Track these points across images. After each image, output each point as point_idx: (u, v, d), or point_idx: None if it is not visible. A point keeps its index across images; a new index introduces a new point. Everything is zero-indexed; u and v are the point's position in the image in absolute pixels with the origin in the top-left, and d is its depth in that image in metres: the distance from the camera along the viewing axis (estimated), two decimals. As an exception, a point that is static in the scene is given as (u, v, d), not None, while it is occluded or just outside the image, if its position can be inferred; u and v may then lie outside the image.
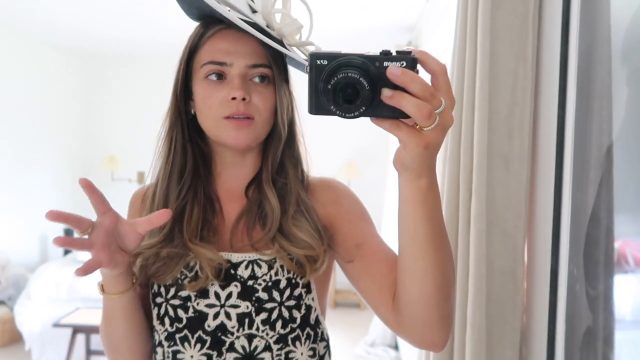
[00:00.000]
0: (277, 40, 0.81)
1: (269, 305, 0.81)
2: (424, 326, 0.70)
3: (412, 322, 0.71)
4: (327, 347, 0.89)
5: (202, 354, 0.81)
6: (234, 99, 0.79)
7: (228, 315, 0.81)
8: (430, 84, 0.54)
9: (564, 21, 1.10)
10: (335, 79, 0.52)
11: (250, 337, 0.81)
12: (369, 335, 4.00)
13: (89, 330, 3.21)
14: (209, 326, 0.82)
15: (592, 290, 0.99)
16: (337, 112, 0.53)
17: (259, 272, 0.82)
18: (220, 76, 0.82)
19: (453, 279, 0.70)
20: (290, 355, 0.82)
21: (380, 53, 0.54)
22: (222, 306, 0.82)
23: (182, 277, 0.83)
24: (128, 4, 3.57)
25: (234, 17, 0.77)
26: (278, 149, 0.88)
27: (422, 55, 0.54)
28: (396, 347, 3.92)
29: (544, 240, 1.19)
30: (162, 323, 0.84)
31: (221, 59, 0.81)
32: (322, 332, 0.87)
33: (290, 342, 0.82)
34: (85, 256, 3.86)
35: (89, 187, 0.71)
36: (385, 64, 0.53)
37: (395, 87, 0.52)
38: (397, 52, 0.54)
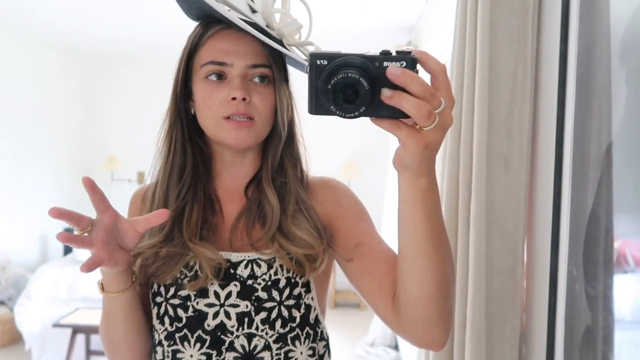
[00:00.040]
0: (276, 40, 0.81)
1: (268, 305, 0.81)
2: (423, 325, 0.70)
3: (412, 321, 0.71)
4: (327, 346, 0.89)
5: (202, 353, 0.82)
6: (234, 99, 0.80)
7: (227, 315, 0.82)
8: (430, 84, 0.54)
9: (563, 21, 1.10)
10: (335, 79, 0.52)
11: (249, 337, 0.81)
12: (369, 335, 4.00)
13: (88, 331, 3.21)
14: (208, 325, 0.82)
15: (592, 289, 1.00)
16: (337, 112, 0.53)
17: (258, 272, 0.82)
18: (220, 76, 0.82)
19: (453, 278, 0.70)
20: (290, 355, 0.83)
21: (380, 53, 0.54)
22: (221, 305, 0.82)
23: (182, 276, 0.83)
24: (128, 4, 3.57)
25: (234, 17, 0.77)
26: (278, 149, 0.88)
27: (422, 55, 0.54)
28: (396, 347, 3.92)
29: (543, 239, 1.20)
30: (162, 322, 0.84)
31: (221, 59, 0.81)
32: (322, 332, 0.87)
33: (289, 341, 0.82)
34: (85, 256, 3.86)
35: (91, 186, 0.71)
36: (385, 64, 0.53)
37: (395, 87, 0.53)
38: (397, 52, 0.54)
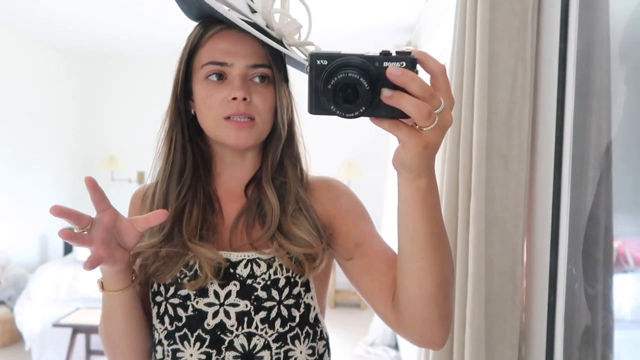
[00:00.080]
0: (276, 40, 0.81)
1: (268, 304, 0.82)
2: (423, 325, 0.70)
3: (411, 321, 0.71)
4: (327, 345, 0.89)
5: (202, 353, 0.82)
6: (234, 99, 0.80)
7: (227, 314, 0.82)
8: (429, 84, 0.54)
9: (562, 20, 1.10)
10: (335, 79, 0.52)
11: (249, 336, 0.81)
12: (369, 335, 4.00)
13: (88, 330, 3.21)
14: (208, 325, 0.82)
15: (591, 289, 1.00)
16: (337, 112, 0.53)
17: (258, 271, 0.82)
18: (221, 76, 0.82)
19: (452, 278, 0.70)
20: (290, 354, 0.83)
21: (380, 53, 0.54)
22: (221, 305, 0.82)
23: (182, 276, 0.83)
24: (128, 4, 3.57)
25: (234, 17, 0.77)
26: (278, 149, 0.88)
27: (422, 56, 0.54)
28: (396, 347, 3.92)
29: (543, 239, 1.20)
30: (162, 322, 0.84)
31: (222, 59, 0.81)
32: (322, 331, 0.88)
33: (289, 340, 0.83)
34: (85, 257, 3.86)
35: (93, 186, 0.72)
36: (385, 64, 0.53)
37: (394, 87, 0.53)
38: (397, 52, 0.54)
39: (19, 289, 4.14)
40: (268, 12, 0.82)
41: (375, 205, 3.42)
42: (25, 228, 4.62)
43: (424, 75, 0.55)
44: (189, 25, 0.89)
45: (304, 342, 0.84)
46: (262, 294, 0.81)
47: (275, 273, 0.82)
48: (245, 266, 0.82)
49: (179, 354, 0.83)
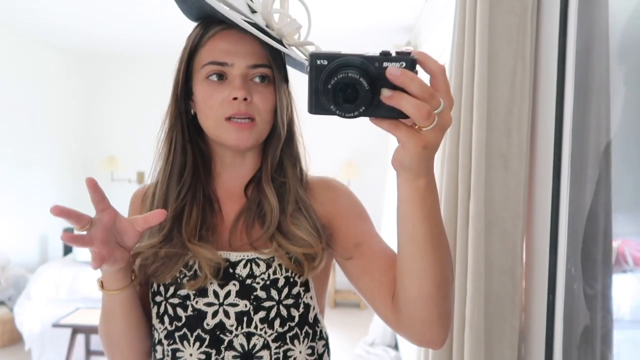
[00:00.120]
0: (276, 40, 0.81)
1: (267, 304, 0.82)
2: (423, 324, 0.70)
3: (411, 320, 0.71)
4: (326, 345, 0.89)
5: (201, 352, 0.82)
6: (235, 99, 0.80)
7: (227, 314, 0.82)
8: (429, 84, 0.55)
9: (561, 20, 1.10)
10: (336, 78, 0.52)
11: (248, 336, 0.82)
12: (369, 335, 4.00)
13: (88, 331, 3.21)
14: (207, 324, 0.82)
15: (590, 289, 1.00)
16: (337, 112, 0.53)
17: (257, 271, 0.82)
18: (221, 76, 0.82)
19: (452, 277, 0.70)
20: (289, 354, 0.83)
21: (380, 54, 0.54)
22: (220, 305, 0.82)
23: (181, 276, 0.83)
24: (128, 4, 3.57)
25: (236, 17, 0.77)
26: (277, 149, 0.88)
27: (421, 56, 0.55)
28: (396, 347, 3.92)
29: (542, 239, 1.20)
30: (162, 322, 0.84)
31: (222, 60, 0.81)
32: (321, 331, 0.88)
33: (288, 340, 0.83)
34: (84, 257, 3.86)
35: (94, 187, 0.72)
36: (385, 64, 0.53)
37: (394, 87, 0.53)
38: (397, 52, 0.54)
39: (19, 289, 4.14)
40: (268, 12, 0.82)
41: (375, 205, 3.42)
42: (25, 228, 4.63)
43: (423, 76, 0.55)
44: (189, 25, 0.89)
45: (303, 341, 0.84)
46: (262, 294, 0.82)
47: (274, 273, 0.82)
48: (245, 266, 0.82)
49: (178, 354, 0.83)
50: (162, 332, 0.84)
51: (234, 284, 0.82)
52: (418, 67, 0.55)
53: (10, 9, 3.78)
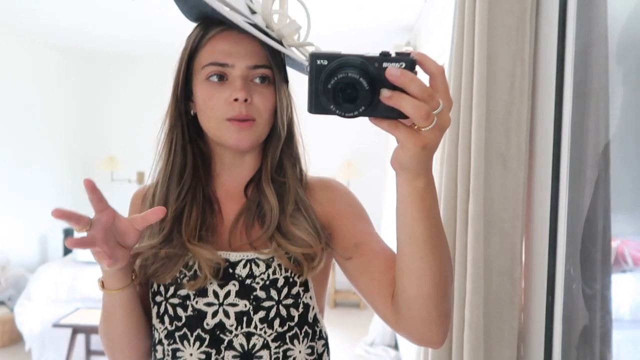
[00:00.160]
0: (276, 41, 0.81)
1: (266, 304, 0.82)
2: (422, 324, 0.70)
3: (410, 320, 0.71)
4: (326, 345, 0.90)
5: (201, 352, 0.82)
6: (236, 100, 0.80)
7: (226, 314, 0.82)
8: (428, 85, 0.55)
9: (560, 21, 1.10)
10: (336, 78, 0.53)
11: (248, 335, 0.82)
12: (369, 335, 4.01)
13: (88, 331, 3.21)
14: (207, 324, 0.82)
15: (589, 289, 1.00)
16: (337, 112, 0.54)
17: (257, 271, 0.82)
18: (222, 77, 0.82)
19: (451, 277, 0.71)
20: (289, 354, 0.83)
21: (380, 54, 0.54)
22: (220, 305, 0.82)
23: (181, 276, 0.83)
24: (128, 4, 3.57)
25: (236, 18, 0.78)
26: (277, 149, 0.88)
27: (421, 57, 0.55)
28: (396, 347, 3.92)
29: (541, 239, 1.20)
30: (162, 321, 0.85)
31: (223, 60, 0.81)
32: (321, 331, 0.88)
33: (288, 340, 0.83)
34: (84, 257, 3.86)
35: (92, 187, 0.72)
36: (385, 64, 0.53)
37: (394, 87, 0.53)
38: (396, 53, 0.54)
39: (19, 289, 4.14)
40: (268, 12, 0.82)
41: (375, 205, 3.42)
42: (25, 228, 4.63)
43: (423, 77, 0.55)
44: (189, 26, 0.89)
45: (303, 341, 0.84)
46: (261, 294, 0.82)
47: (274, 273, 0.82)
48: (244, 266, 0.83)
49: (178, 354, 0.83)
50: (162, 332, 0.85)
51: (234, 284, 0.82)
52: (417, 68, 0.55)
53: (10, 9, 3.78)
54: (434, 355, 1.45)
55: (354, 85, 0.52)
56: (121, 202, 1.00)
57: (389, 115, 0.55)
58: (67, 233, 4.69)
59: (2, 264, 4.12)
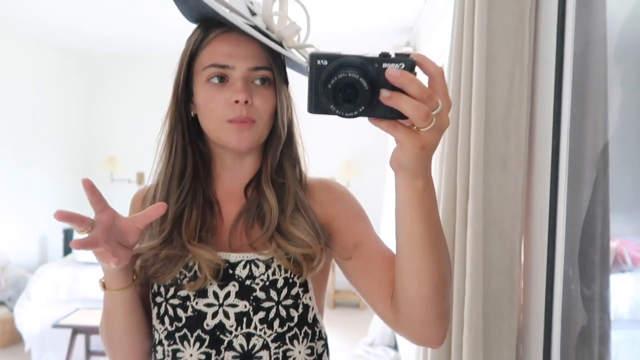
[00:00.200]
0: (277, 42, 0.82)
1: (266, 305, 0.82)
2: (422, 324, 0.71)
3: (410, 320, 0.72)
4: (325, 345, 0.90)
5: (202, 353, 0.82)
6: (236, 101, 0.80)
7: (226, 315, 0.82)
8: (427, 86, 0.55)
9: (559, 22, 1.11)
10: (336, 78, 0.53)
11: (248, 336, 0.82)
12: (369, 336, 4.01)
13: (88, 331, 3.21)
14: (207, 325, 0.82)
15: (587, 290, 1.00)
16: (337, 112, 0.54)
17: (256, 272, 0.83)
18: (222, 79, 0.83)
19: (450, 277, 0.71)
20: (288, 354, 0.83)
21: (379, 55, 0.55)
22: (220, 305, 0.83)
23: (181, 277, 0.84)
24: (128, 4, 3.58)
25: (237, 20, 0.78)
26: (277, 150, 0.89)
27: (420, 58, 0.55)
28: (395, 347, 3.92)
29: (540, 240, 1.20)
30: (162, 322, 0.85)
31: (223, 62, 0.82)
32: (320, 331, 0.88)
33: (288, 340, 0.83)
34: (84, 258, 3.86)
35: (90, 187, 0.72)
36: (384, 65, 0.54)
37: (393, 88, 0.54)
38: (396, 54, 0.55)
39: (19, 290, 4.14)
40: (269, 14, 0.82)
41: (375, 205, 3.42)
42: (25, 229, 4.63)
43: (422, 78, 0.56)
44: (189, 26, 0.89)
45: (302, 342, 0.84)
46: (261, 295, 0.82)
47: (273, 274, 0.83)
48: (244, 267, 0.83)
49: (179, 354, 0.83)
50: (162, 332, 0.85)
51: (234, 285, 0.83)
52: (417, 69, 0.56)
53: (10, 9, 3.78)
54: (433, 355, 1.45)
55: (353, 85, 0.53)
56: (121, 202, 1.00)
57: (388, 116, 0.55)
58: (67, 233, 4.69)
59: (1, 265, 4.12)
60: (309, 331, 0.85)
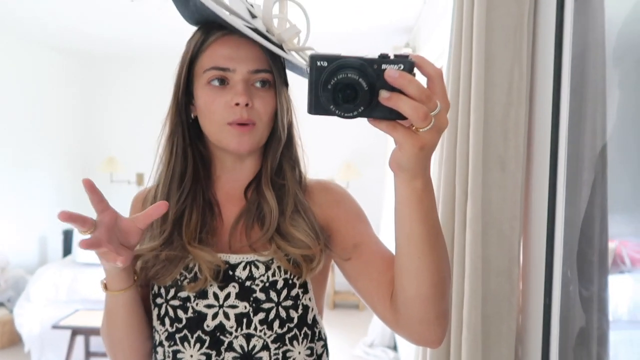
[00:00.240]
0: (277, 45, 0.82)
1: (266, 306, 0.82)
2: (421, 324, 0.71)
3: (409, 320, 0.72)
4: (325, 346, 0.90)
5: (202, 354, 0.82)
6: (237, 104, 0.81)
7: (226, 316, 0.83)
8: (426, 87, 0.56)
9: (558, 23, 1.11)
10: (335, 79, 0.53)
11: (248, 337, 0.82)
12: (368, 336, 4.01)
13: (88, 332, 3.21)
14: (208, 326, 0.83)
15: (586, 291, 1.01)
16: (336, 112, 0.54)
17: (256, 273, 0.83)
18: (223, 81, 0.83)
19: (449, 278, 0.71)
20: (288, 355, 0.83)
21: (379, 56, 0.55)
22: (220, 306, 0.83)
23: (182, 278, 0.84)
24: (128, 4, 3.58)
25: (237, 22, 0.78)
26: (277, 152, 0.89)
27: (419, 60, 0.56)
28: (395, 348, 3.93)
29: (538, 240, 1.20)
30: (163, 323, 0.85)
31: (224, 65, 0.82)
32: (320, 332, 0.88)
33: (287, 341, 0.83)
34: (84, 259, 3.87)
35: (91, 187, 0.73)
36: (384, 66, 0.54)
37: (392, 89, 0.54)
38: (395, 55, 0.55)
39: (19, 291, 4.14)
40: (269, 17, 0.83)
41: (374, 206, 3.42)
42: (25, 229, 4.63)
43: (421, 79, 0.56)
44: (189, 27, 0.89)
45: (302, 342, 0.85)
46: (261, 296, 0.82)
47: (273, 275, 0.83)
48: (244, 268, 0.83)
49: (179, 355, 0.83)
50: (162, 333, 0.85)
51: (234, 286, 0.83)
52: (416, 70, 0.56)
53: (10, 10, 3.79)
54: (433, 355, 1.45)
55: (353, 86, 0.53)
56: (121, 203, 1.01)
57: (387, 116, 0.56)
58: (67, 234, 4.69)
59: (1, 265, 4.12)
60: (309, 332, 0.86)
